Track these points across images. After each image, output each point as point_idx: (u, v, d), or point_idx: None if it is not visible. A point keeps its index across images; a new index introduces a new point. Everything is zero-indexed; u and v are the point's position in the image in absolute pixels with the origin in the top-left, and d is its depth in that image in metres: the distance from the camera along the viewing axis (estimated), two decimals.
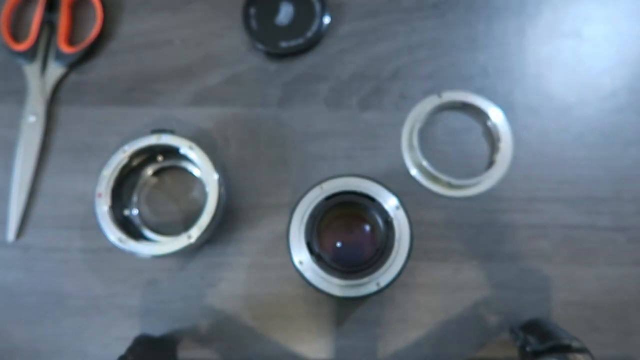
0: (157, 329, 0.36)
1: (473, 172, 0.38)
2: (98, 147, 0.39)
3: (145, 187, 0.39)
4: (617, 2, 0.41)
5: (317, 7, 0.40)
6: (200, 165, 0.35)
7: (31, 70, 0.40)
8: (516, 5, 0.41)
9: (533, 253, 0.37)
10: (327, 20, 0.40)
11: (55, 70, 0.40)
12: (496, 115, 0.39)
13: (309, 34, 0.40)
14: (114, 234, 0.34)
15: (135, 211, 0.38)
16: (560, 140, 0.39)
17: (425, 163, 0.37)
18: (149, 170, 0.39)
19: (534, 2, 0.41)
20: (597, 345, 0.30)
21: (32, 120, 0.39)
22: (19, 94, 0.40)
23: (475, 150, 0.39)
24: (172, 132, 0.36)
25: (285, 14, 0.40)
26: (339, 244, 0.32)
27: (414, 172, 0.38)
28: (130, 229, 0.36)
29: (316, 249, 0.29)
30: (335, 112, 0.39)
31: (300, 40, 0.40)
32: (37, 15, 0.41)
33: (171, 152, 0.37)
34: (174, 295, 0.37)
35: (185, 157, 0.36)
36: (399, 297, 0.36)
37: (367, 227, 0.32)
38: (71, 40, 0.41)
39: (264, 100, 0.40)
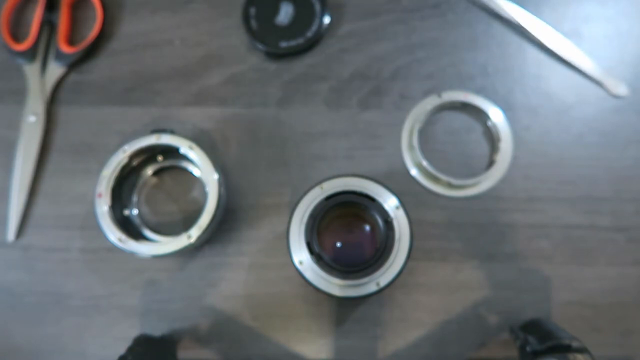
0: (157, 329, 0.36)
1: (473, 172, 0.38)
2: (98, 147, 0.39)
3: (145, 187, 0.39)
4: (617, 2, 0.41)
5: (317, 7, 0.40)
6: (200, 165, 0.35)
7: (31, 70, 0.40)
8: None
9: (533, 253, 0.37)
10: (327, 20, 0.40)
11: (55, 70, 0.40)
12: (496, 115, 0.39)
13: (309, 34, 0.40)
14: (114, 234, 0.34)
15: (135, 211, 0.38)
16: (560, 140, 0.39)
17: (425, 163, 0.37)
18: (149, 170, 0.39)
19: (534, 2, 0.41)
20: (597, 345, 0.30)
21: (32, 120, 0.39)
22: (19, 94, 0.40)
23: (475, 150, 0.39)
24: (172, 132, 0.36)
25: (285, 14, 0.40)
26: (339, 244, 0.32)
27: (414, 172, 0.38)
28: (130, 229, 0.36)
29: (316, 249, 0.29)
30: (335, 112, 0.39)
31: (300, 40, 0.40)
32: (37, 15, 0.41)
33: (171, 152, 0.37)
34: (174, 295, 0.37)
35: (185, 157, 0.36)
36: (399, 297, 0.36)
37: (367, 227, 0.32)
38: (71, 40, 0.41)
39: (264, 100, 0.40)
